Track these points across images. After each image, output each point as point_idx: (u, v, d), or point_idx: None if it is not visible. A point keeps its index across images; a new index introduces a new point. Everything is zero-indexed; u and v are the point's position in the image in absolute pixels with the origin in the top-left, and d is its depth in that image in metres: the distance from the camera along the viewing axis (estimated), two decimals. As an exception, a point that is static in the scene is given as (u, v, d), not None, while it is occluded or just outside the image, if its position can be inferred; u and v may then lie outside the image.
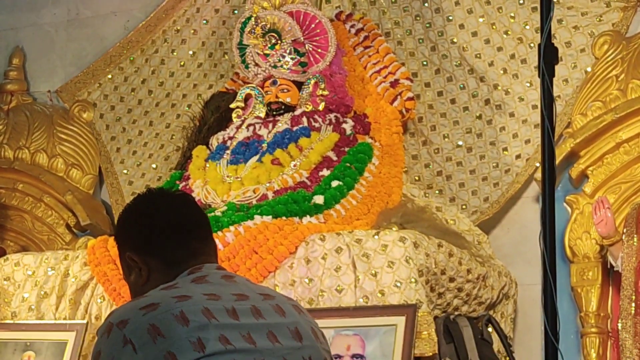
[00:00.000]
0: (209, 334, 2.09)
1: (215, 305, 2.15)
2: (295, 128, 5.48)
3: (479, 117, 5.65)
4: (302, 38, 5.69)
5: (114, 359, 2.07)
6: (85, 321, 4.90)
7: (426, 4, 5.89)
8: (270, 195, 5.15)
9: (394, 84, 5.71)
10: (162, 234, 2.28)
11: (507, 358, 4.85)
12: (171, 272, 2.26)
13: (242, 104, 5.74)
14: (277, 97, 5.64)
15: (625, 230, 4.83)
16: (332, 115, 5.56)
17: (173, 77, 6.39)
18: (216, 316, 2.13)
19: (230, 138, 5.63)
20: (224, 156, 5.52)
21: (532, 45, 5.56)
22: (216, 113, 5.94)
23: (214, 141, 5.71)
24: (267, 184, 5.23)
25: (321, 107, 5.59)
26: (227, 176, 5.39)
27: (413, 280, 4.44)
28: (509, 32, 5.67)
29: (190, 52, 6.39)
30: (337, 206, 5.12)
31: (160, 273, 2.27)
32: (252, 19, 5.72)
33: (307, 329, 2.27)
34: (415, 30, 5.91)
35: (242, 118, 5.71)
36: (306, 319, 2.30)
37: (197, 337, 2.07)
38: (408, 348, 4.27)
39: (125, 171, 6.34)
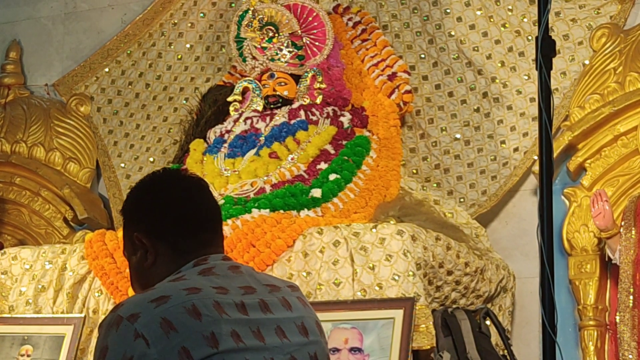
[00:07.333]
0: (221, 329, 2.04)
1: (225, 299, 2.11)
2: (292, 121, 5.47)
3: (477, 110, 5.65)
4: (299, 31, 5.69)
5: (125, 354, 2.00)
6: (82, 315, 4.90)
7: (424, -3, 5.89)
8: (267, 188, 5.15)
9: (392, 77, 5.70)
10: (176, 223, 2.23)
11: (505, 351, 4.85)
12: (178, 259, 2.21)
13: (240, 97, 5.74)
14: (274, 90, 5.63)
15: (623, 223, 4.83)
16: (329, 109, 5.55)
17: (170, 70, 6.38)
18: (227, 311, 2.08)
19: (228, 131, 5.63)
20: (222, 149, 5.52)
21: (529, 38, 5.56)
22: (213, 106, 5.93)
23: (212, 134, 5.71)
24: (265, 178, 5.22)
25: (319, 100, 5.58)
26: (225, 169, 5.38)
27: (411, 273, 4.44)
28: (507, 25, 5.67)
29: (188, 46, 6.38)
30: (335, 199, 5.12)
31: (166, 259, 2.22)
32: (250, 12, 5.71)
33: (312, 323, 2.25)
34: (413, 23, 5.90)
35: (240, 111, 5.71)
36: (310, 313, 2.28)
37: (210, 331, 2.03)
38: (406, 341, 4.27)
39: (122, 165, 6.33)
